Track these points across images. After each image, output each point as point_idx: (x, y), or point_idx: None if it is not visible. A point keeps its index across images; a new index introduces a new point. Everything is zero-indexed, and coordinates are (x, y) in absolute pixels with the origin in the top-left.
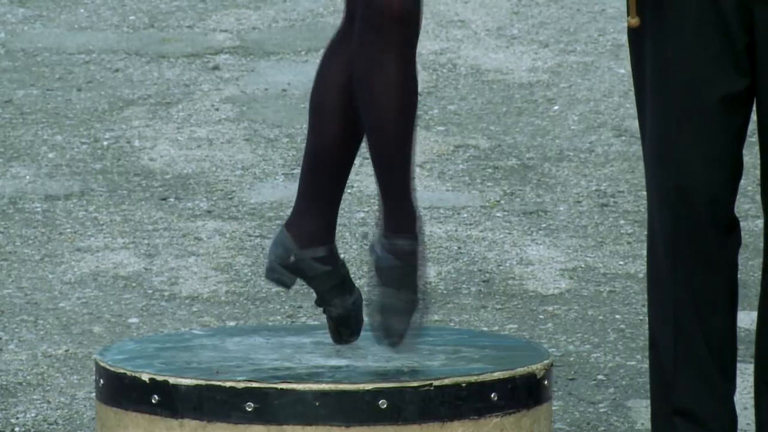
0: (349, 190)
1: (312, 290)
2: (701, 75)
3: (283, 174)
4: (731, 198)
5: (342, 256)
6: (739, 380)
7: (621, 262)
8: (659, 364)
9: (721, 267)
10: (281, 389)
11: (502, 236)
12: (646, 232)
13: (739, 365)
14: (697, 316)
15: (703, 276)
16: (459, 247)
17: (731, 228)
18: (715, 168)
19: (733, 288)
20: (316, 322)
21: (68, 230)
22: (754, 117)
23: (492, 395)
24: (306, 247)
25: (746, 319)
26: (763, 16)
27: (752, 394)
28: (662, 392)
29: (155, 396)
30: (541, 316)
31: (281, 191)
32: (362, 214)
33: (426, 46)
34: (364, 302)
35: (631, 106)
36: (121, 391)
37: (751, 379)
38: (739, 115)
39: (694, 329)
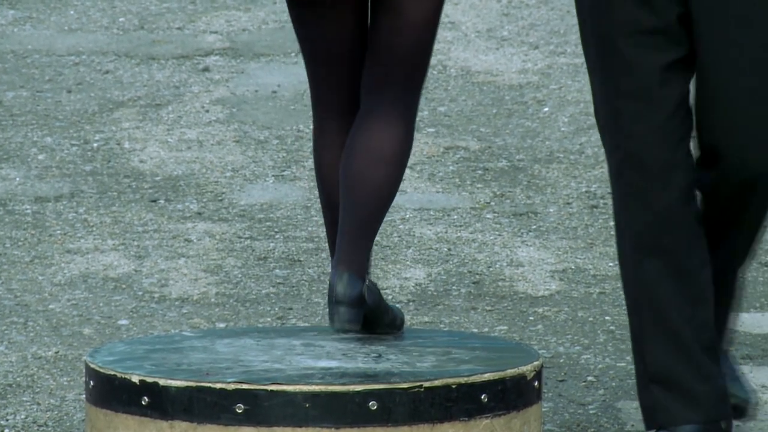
0: None
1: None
2: (637, 49)
3: (273, 176)
4: (684, 161)
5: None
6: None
7: (611, 264)
8: (632, 330)
9: (683, 227)
10: (271, 391)
11: (492, 238)
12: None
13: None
14: (662, 280)
15: (665, 240)
16: (449, 249)
17: (687, 188)
18: (660, 135)
19: (697, 246)
20: (306, 324)
21: (58, 232)
22: None
23: (482, 397)
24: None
25: (748, 321)
26: None
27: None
28: (637, 358)
29: (145, 398)
30: (531, 318)
31: (271, 193)
32: None
33: None
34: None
35: None
36: (111, 392)
37: (754, 378)
38: (679, 83)
39: (662, 297)
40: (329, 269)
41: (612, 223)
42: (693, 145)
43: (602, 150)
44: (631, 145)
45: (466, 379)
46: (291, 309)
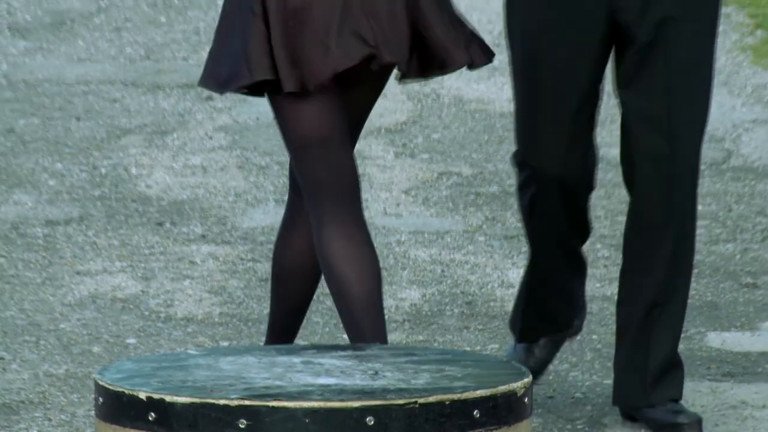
0: None
1: None
2: (555, 70)
3: (274, 200)
4: (584, 178)
5: None
6: (710, 398)
7: (597, 285)
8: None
9: (567, 242)
10: (273, 407)
11: (484, 260)
12: (621, 256)
13: (711, 384)
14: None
15: (552, 250)
16: (443, 270)
17: (581, 206)
18: (567, 152)
19: (575, 259)
20: (306, 343)
21: (68, 254)
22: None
23: (474, 412)
24: None
25: (717, 339)
26: (625, 11)
27: (723, 412)
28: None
29: (152, 413)
30: None
31: (272, 216)
32: None
33: None
34: None
35: (607, 135)
36: (119, 408)
37: (723, 396)
38: (588, 105)
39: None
40: (327, 290)
41: (599, 246)
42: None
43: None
44: (540, 158)
45: (459, 395)
46: None
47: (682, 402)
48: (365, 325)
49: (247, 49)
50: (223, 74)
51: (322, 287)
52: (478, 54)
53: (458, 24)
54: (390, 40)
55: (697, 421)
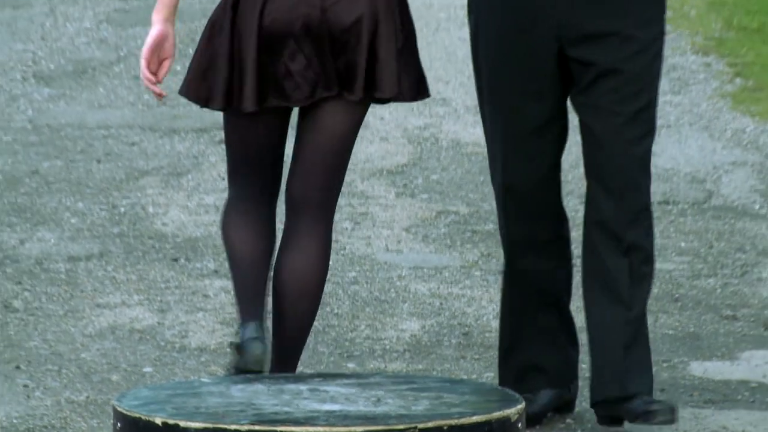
0: (342, 251)
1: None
2: (519, 100)
3: (279, 237)
4: (553, 193)
5: (335, 311)
6: (693, 423)
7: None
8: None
9: (551, 254)
10: None
11: (480, 293)
12: None
13: (693, 410)
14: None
15: (532, 259)
16: (441, 303)
17: (557, 217)
18: (536, 172)
19: (562, 275)
20: (312, 371)
21: (89, 288)
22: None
23: None
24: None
25: (699, 368)
26: (575, 50)
27: None
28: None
29: None
30: None
31: None
32: (353, 274)
33: (411, 121)
34: None
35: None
36: None
37: (705, 422)
38: (555, 129)
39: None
40: (333, 321)
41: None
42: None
43: (579, 214)
44: (511, 177)
45: (456, 421)
46: None
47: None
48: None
49: (215, 69)
50: (201, 93)
51: (327, 319)
52: (407, 90)
53: (404, 56)
54: (330, 77)
55: (671, 408)
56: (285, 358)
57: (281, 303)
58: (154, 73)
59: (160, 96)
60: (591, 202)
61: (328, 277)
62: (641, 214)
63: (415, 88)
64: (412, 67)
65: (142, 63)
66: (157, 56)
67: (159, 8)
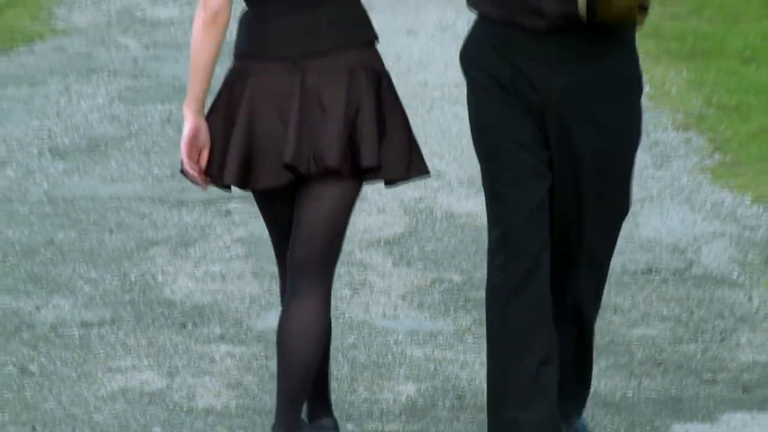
0: (341, 318)
1: None
2: (510, 149)
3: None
4: (542, 242)
5: (335, 374)
6: None
7: None
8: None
9: (533, 299)
10: None
11: (472, 357)
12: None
13: None
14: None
15: (517, 305)
16: (435, 367)
17: (541, 265)
18: (529, 219)
19: (544, 319)
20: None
21: (101, 353)
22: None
23: None
24: None
25: (680, 430)
26: (550, 113)
27: None
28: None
29: None
30: None
31: None
32: (352, 339)
33: (407, 194)
34: None
35: None
36: None
37: None
38: (547, 178)
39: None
40: (332, 384)
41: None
42: None
43: None
44: (505, 225)
45: None
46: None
47: None
48: None
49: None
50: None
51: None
52: (395, 169)
53: (392, 134)
54: (321, 152)
55: None
56: (290, 399)
57: (285, 350)
58: (197, 163)
59: (204, 185)
60: None
61: None
62: None
63: (406, 164)
64: (399, 143)
65: (184, 157)
66: (196, 148)
67: (189, 103)
